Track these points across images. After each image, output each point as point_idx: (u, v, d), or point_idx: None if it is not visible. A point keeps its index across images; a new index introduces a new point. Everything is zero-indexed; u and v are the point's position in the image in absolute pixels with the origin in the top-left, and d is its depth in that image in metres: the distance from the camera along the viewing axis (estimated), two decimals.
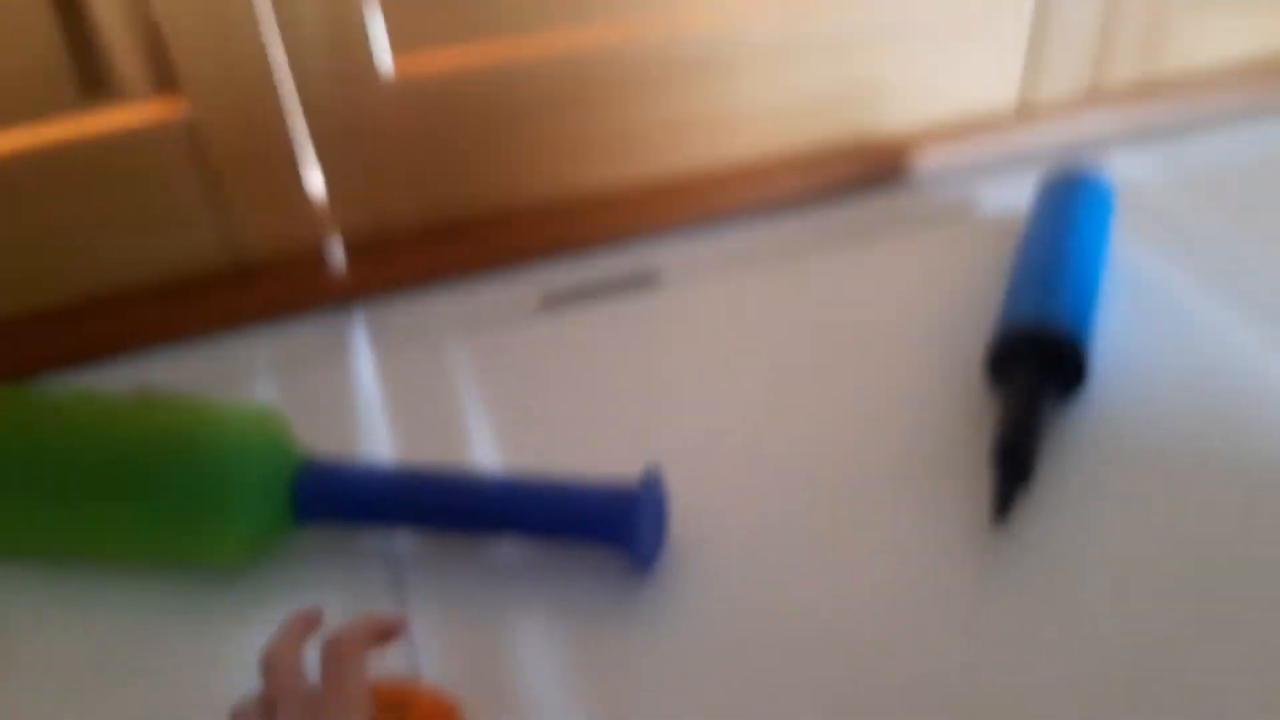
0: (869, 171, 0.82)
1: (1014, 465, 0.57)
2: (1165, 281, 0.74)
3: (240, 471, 0.53)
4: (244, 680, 0.52)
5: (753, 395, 0.66)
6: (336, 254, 0.74)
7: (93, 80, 0.63)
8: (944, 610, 0.54)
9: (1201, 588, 0.54)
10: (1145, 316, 0.71)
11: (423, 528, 0.56)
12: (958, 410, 0.64)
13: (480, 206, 0.76)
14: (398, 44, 0.68)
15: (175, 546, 0.55)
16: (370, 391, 0.67)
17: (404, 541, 0.58)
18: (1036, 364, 0.62)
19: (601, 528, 0.53)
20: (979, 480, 0.60)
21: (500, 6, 0.69)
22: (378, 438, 0.64)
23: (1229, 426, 0.63)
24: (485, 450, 0.63)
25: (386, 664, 0.51)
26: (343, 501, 0.55)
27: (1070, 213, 0.72)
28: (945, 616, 0.53)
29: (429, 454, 0.63)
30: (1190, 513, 0.58)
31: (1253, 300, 0.71)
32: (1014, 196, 0.82)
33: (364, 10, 0.65)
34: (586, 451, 0.62)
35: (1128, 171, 0.85)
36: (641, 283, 0.75)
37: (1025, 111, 0.87)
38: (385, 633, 0.45)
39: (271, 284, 0.72)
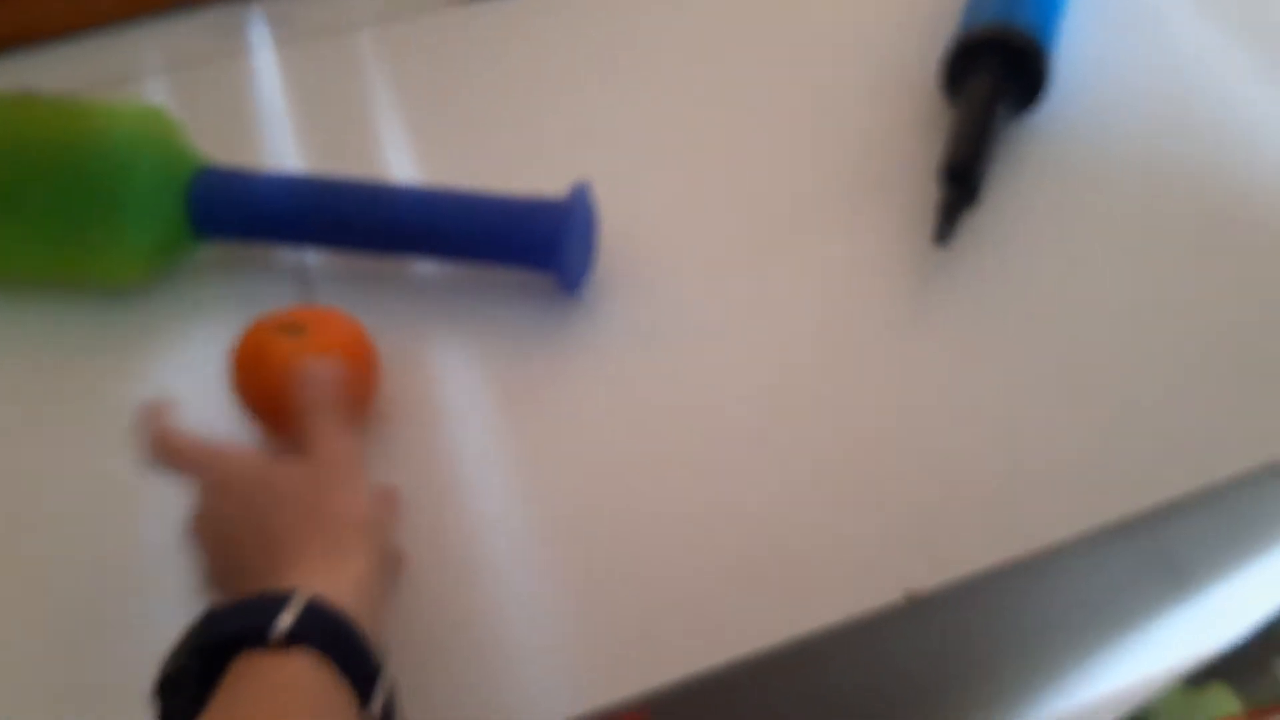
0: None
1: (961, 185, 0.54)
2: None
3: (130, 174, 0.49)
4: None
5: (689, 98, 0.61)
6: None
7: None
8: (881, 333, 0.52)
9: (1145, 316, 0.53)
10: (1115, 20, 0.66)
11: (334, 244, 0.52)
12: (911, 122, 0.61)
13: None
14: None
15: (66, 262, 0.51)
16: (272, 92, 0.61)
17: (314, 258, 0.54)
18: (994, 71, 0.58)
19: (526, 247, 0.50)
20: (928, 197, 0.57)
21: None
22: (281, 145, 0.59)
23: (1192, 149, 0.60)
24: (399, 158, 0.58)
25: None
26: (245, 212, 0.51)
27: None
28: (882, 340, 0.52)
29: (338, 163, 0.58)
30: (1140, 239, 0.56)
31: (1235, 12, 0.67)
32: None
33: None
34: (509, 159, 0.58)
35: None
36: None
37: None
38: None
39: None
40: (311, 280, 0.54)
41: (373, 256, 0.53)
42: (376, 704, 0.35)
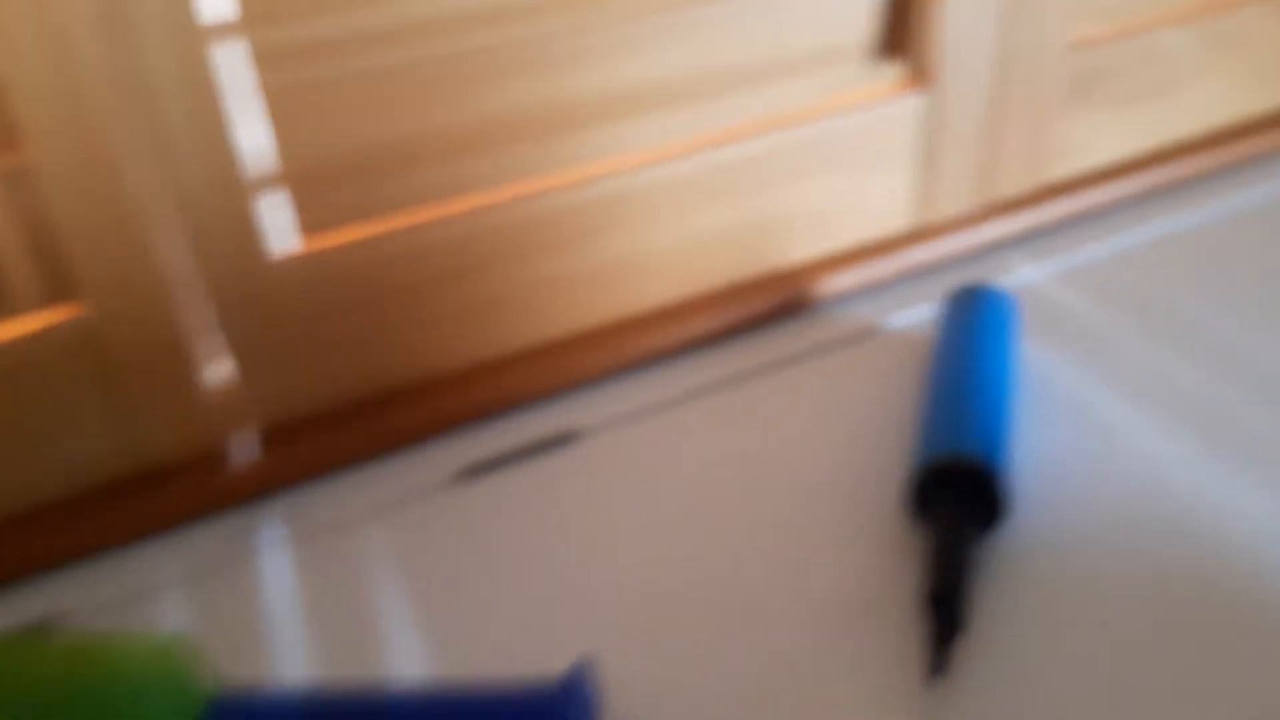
0: (777, 303, 0.83)
1: (945, 617, 0.56)
2: (1075, 389, 0.74)
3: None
4: None
5: (674, 551, 0.65)
6: (245, 448, 0.72)
7: None
8: None
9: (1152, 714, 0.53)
10: (1060, 429, 0.71)
11: None
12: (882, 549, 0.64)
13: (390, 381, 0.75)
14: (302, 224, 0.67)
15: None
16: (284, 594, 0.65)
17: None
18: (955, 500, 0.61)
19: None
20: (909, 624, 0.59)
21: (406, 180, 0.68)
22: (293, 646, 0.61)
23: (1156, 540, 0.62)
24: (406, 646, 0.61)
25: None
26: None
27: (973, 335, 0.72)
28: None
29: (348, 656, 0.60)
30: (1124, 637, 0.57)
31: (1160, 399, 0.72)
32: (920, 313, 0.83)
33: (262, 196, 0.65)
34: (511, 634, 0.60)
35: (1029, 278, 0.86)
36: (561, 442, 0.74)
37: (922, 230, 0.88)
38: None
39: (177, 488, 0.69)
40: None
41: None
42: None
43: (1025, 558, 0.63)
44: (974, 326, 0.73)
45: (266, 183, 0.65)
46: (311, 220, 0.67)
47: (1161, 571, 0.61)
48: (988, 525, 0.63)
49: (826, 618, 0.60)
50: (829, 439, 0.72)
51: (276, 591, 0.65)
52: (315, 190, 0.67)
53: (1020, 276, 0.86)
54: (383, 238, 0.69)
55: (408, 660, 0.60)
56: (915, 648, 0.58)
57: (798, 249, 0.84)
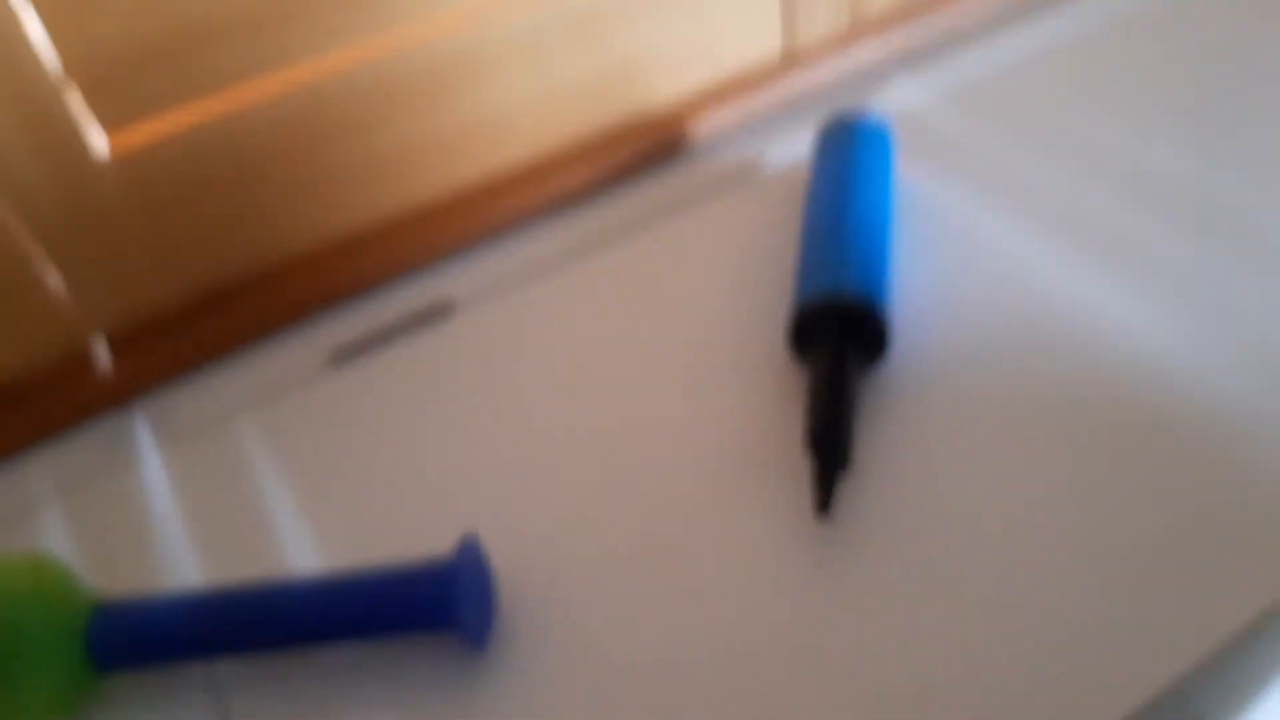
0: (648, 150, 0.80)
1: (830, 453, 0.56)
2: (954, 212, 0.74)
3: (21, 638, 0.49)
4: None
5: (561, 416, 0.64)
6: (100, 354, 0.68)
7: None
8: (786, 615, 0.53)
9: (1043, 534, 0.55)
10: (940, 255, 0.71)
11: (237, 653, 0.52)
12: (771, 392, 0.64)
13: (245, 268, 0.71)
14: (107, 121, 0.62)
15: None
16: (163, 496, 0.63)
17: (223, 666, 0.54)
18: (837, 337, 0.61)
19: (423, 616, 0.51)
20: (801, 465, 0.59)
21: (215, 57, 0.63)
22: (178, 548, 0.60)
23: (1035, 361, 0.63)
24: (295, 539, 0.59)
25: None
26: (145, 644, 0.51)
27: (848, 166, 0.71)
28: (788, 621, 0.53)
29: (235, 553, 0.59)
30: (1015, 456, 0.58)
31: (1040, 217, 0.72)
32: (797, 146, 0.81)
33: (63, 94, 0.59)
34: (400, 515, 0.59)
35: (904, 101, 0.84)
36: (435, 315, 0.72)
37: (791, 58, 0.86)
38: None
39: (36, 403, 0.66)
40: (223, 688, 0.53)
41: (281, 654, 0.53)
42: None
43: (910, 387, 0.63)
44: (848, 159, 0.72)
45: (65, 82, 0.59)
46: (116, 116, 0.62)
47: (1040, 392, 0.62)
48: (870, 360, 0.63)
49: (716, 467, 0.60)
50: (711, 287, 0.71)
51: (154, 495, 0.63)
52: (113, 84, 0.61)
53: (895, 100, 0.85)
54: (206, 124, 0.64)
55: (297, 552, 0.59)
56: (806, 484, 0.58)
57: (664, 89, 0.81)
